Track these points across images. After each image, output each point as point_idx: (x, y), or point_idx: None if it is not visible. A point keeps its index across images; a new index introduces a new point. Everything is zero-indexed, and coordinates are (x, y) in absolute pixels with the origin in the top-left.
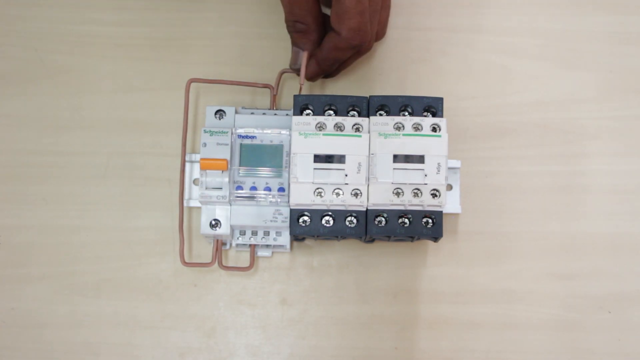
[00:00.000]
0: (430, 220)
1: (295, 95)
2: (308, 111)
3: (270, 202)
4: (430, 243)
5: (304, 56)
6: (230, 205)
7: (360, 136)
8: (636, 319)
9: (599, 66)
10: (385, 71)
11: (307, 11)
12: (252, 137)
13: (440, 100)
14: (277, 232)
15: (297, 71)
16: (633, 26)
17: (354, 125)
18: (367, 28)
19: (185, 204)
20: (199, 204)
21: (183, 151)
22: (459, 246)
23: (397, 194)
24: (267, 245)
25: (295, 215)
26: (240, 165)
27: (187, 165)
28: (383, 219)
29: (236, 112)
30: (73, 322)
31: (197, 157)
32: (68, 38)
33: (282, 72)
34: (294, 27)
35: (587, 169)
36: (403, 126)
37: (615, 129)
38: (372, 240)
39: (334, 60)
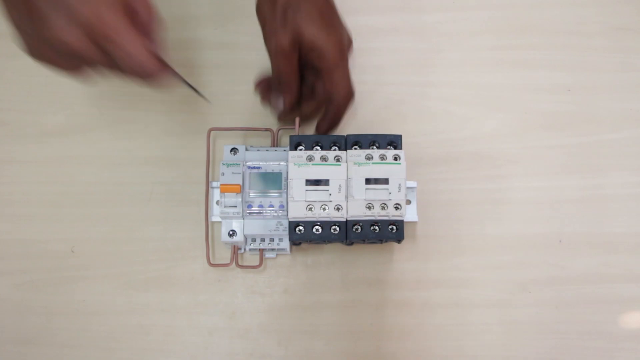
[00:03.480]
0: (394, 227)
1: (290, 136)
2: (301, 147)
3: (274, 216)
4: (395, 244)
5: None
6: (244, 219)
7: (340, 165)
8: (549, 297)
9: (517, 109)
10: (358, 116)
11: (290, 70)
12: (259, 168)
13: (399, 137)
14: (279, 239)
15: (276, 111)
16: (541, 79)
17: (335, 156)
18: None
19: (210, 220)
20: (220, 219)
21: (207, 180)
22: (418, 246)
23: (369, 207)
24: (272, 249)
25: (293, 225)
26: (250, 189)
27: (211, 190)
28: (359, 227)
29: (246, 149)
30: (128, 309)
31: (218, 184)
32: (121, 97)
33: (278, 130)
34: (278, 79)
35: (511, 186)
36: (372, 157)
37: (531, 156)
38: (351, 243)
39: (339, 120)
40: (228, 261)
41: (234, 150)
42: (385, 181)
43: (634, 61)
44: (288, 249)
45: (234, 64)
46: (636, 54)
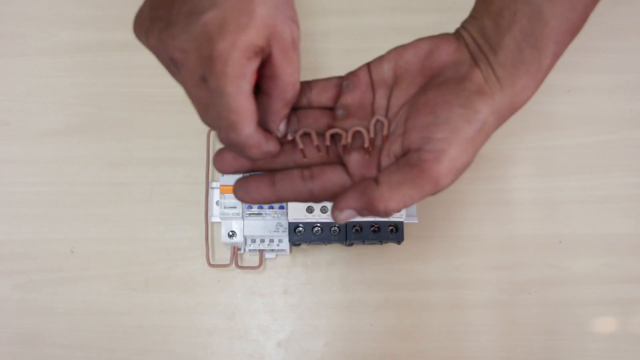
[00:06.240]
0: (394, 228)
1: None
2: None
3: (274, 217)
4: (395, 245)
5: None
6: (243, 220)
7: None
8: (549, 298)
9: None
10: None
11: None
12: None
13: None
14: (279, 240)
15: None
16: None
17: None
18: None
19: (209, 220)
20: (219, 220)
21: (207, 180)
22: (417, 247)
23: None
24: (272, 250)
25: (293, 227)
26: None
27: (210, 190)
28: (359, 228)
29: None
30: (128, 310)
31: (217, 184)
32: (121, 98)
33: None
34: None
35: (511, 187)
36: None
37: (531, 157)
38: (351, 244)
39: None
40: (228, 262)
41: None
42: None
43: (634, 62)
44: (288, 250)
45: None
46: (636, 55)
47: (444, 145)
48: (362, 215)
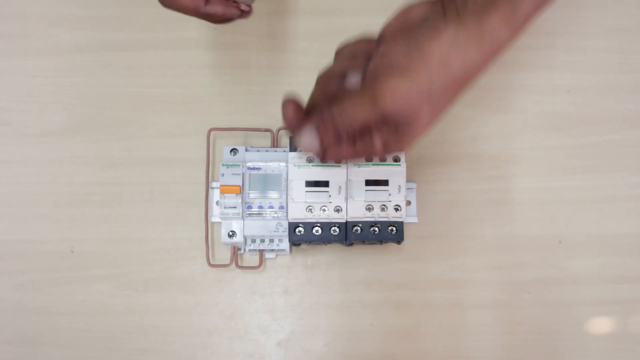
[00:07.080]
0: (394, 228)
1: (290, 137)
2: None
3: (274, 217)
4: (395, 245)
5: None
6: (243, 220)
7: (340, 166)
8: (549, 298)
9: (517, 110)
10: None
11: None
12: (259, 169)
13: None
14: (279, 240)
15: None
16: (541, 80)
17: None
18: None
19: (209, 220)
20: (219, 220)
21: (207, 180)
22: (417, 247)
23: (369, 209)
24: (272, 250)
25: (293, 226)
26: (250, 190)
27: (210, 190)
28: (359, 228)
29: (246, 150)
30: (128, 310)
31: (217, 184)
32: (121, 98)
33: (278, 130)
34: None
35: (511, 187)
36: (372, 158)
37: (531, 157)
38: (351, 244)
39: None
40: (228, 262)
41: (233, 150)
42: (385, 183)
43: (634, 62)
44: (288, 250)
45: (234, 64)
46: (635, 55)
47: (384, 75)
48: (321, 134)
